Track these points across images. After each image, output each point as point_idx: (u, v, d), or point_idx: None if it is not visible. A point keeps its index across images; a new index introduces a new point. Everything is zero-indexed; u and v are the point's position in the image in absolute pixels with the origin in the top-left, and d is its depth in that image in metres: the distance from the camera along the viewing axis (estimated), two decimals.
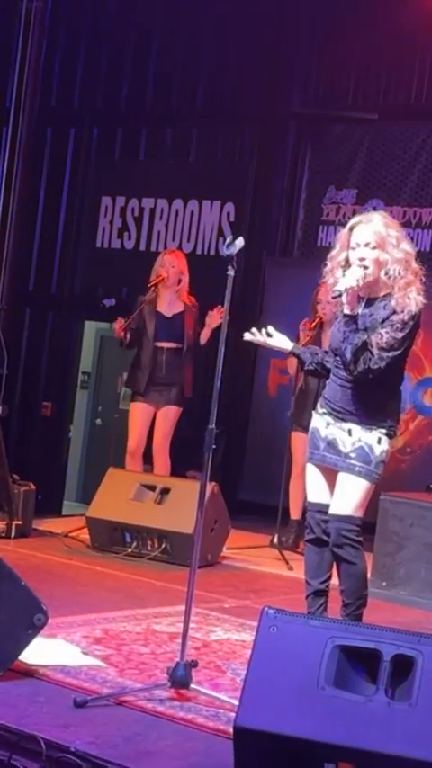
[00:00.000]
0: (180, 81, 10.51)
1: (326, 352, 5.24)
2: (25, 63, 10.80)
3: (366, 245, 4.85)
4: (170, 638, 5.26)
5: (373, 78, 9.74)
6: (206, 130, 10.57)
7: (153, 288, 8.19)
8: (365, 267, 4.85)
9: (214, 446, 4.67)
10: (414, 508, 7.16)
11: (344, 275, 4.89)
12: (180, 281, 8.19)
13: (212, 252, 10.24)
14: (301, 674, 3.48)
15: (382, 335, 4.83)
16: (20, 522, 7.59)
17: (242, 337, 5.11)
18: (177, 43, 10.31)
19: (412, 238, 9.41)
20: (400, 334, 4.86)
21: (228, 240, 4.60)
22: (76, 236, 11.19)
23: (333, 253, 5.02)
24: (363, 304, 4.95)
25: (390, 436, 5.00)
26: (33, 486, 7.82)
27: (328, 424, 5.03)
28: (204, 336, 8.10)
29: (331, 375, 5.08)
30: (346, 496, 4.95)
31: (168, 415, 8.13)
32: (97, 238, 11.05)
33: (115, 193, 10.95)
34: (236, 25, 9.94)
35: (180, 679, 4.31)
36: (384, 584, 7.10)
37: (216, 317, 7.86)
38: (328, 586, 5.09)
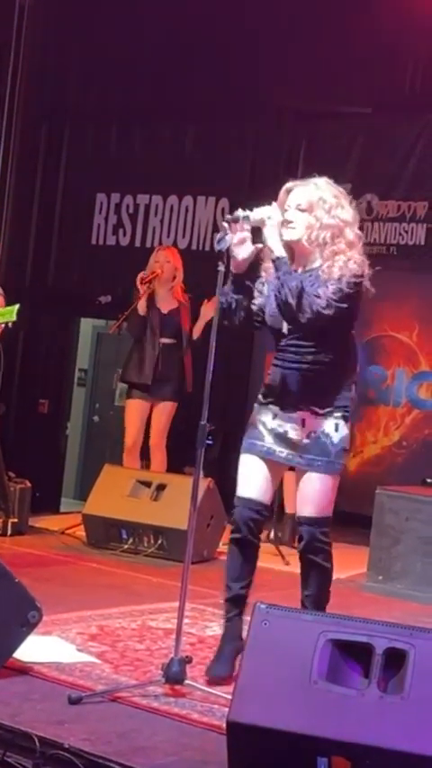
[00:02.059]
0: (175, 77, 10.47)
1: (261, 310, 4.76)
2: (19, 59, 10.78)
3: (296, 208, 4.63)
4: (165, 634, 5.27)
5: (367, 72, 9.71)
6: (201, 126, 10.55)
7: (148, 284, 8.22)
8: (292, 228, 4.58)
9: (210, 442, 4.67)
10: (410, 502, 7.18)
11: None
12: (175, 277, 8.24)
13: (207, 247, 10.22)
14: (294, 669, 3.48)
15: (328, 287, 4.51)
16: (16, 520, 7.61)
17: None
18: (172, 39, 10.29)
19: (407, 232, 9.49)
20: (347, 290, 4.53)
21: (219, 236, 4.59)
22: (72, 232, 11.18)
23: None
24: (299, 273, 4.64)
25: (346, 419, 4.66)
26: (29, 484, 7.84)
27: (275, 415, 4.68)
28: (198, 329, 8.16)
29: (275, 361, 4.73)
30: (314, 497, 4.66)
31: (164, 410, 8.16)
32: (92, 235, 11.03)
33: (110, 190, 10.93)
34: (229, 21, 9.92)
35: (174, 675, 4.31)
36: (380, 577, 7.13)
37: (210, 310, 7.86)
38: (247, 592, 4.77)
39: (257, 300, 4.72)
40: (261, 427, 4.70)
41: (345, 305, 4.55)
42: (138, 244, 10.72)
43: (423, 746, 3.27)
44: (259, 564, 7.45)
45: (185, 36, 10.17)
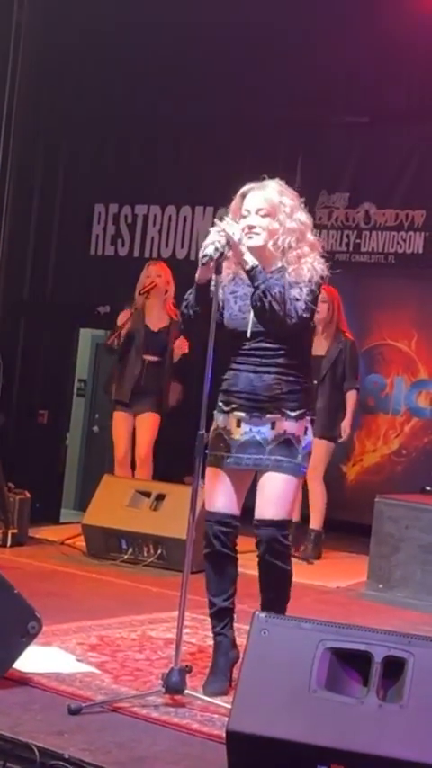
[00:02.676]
0: (172, 87, 10.50)
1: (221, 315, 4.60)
2: (17, 72, 10.81)
3: (257, 212, 4.53)
4: (165, 643, 5.26)
5: (364, 82, 9.75)
6: (197, 136, 10.58)
7: (146, 295, 8.28)
8: (256, 234, 4.50)
9: (208, 451, 4.64)
10: (409, 510, 7.19)
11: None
12: (167, 291, 8.30)
13: None
14: (293, 677, 3.49)
15: (302, 289, 4.47)
16: (16, 531, 7.62)
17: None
18: (168, 50, 10.32)
19: (405, 241, 9.51)
20: (316, 292, 4.53)
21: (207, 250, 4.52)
22: (70, 243, 11.20)
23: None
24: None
25: (312, 423, 4.60)
26: (29, 495, 7.84)
27: (239, 421, 4.55)
28: (176, 356, 8.27)
29: (234, 365, 4.60)
30: (279, 498, 4.50)
31: (147, 422, 8.26)
32: (91, 246, 11.06)
33: (108, 200, 10.97)
34: (226, 31, 9.94)
35: (174, 685, 4.30)
36: (380, 586, 7.12)
37: (183, 348, 8.20)
38: (233, 602, 4.73)
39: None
40: (226, 437, 4.58)
41: (314, 306, 4.55)
42: (136, 254, 10.74)
43: (422, 754, 3.27)
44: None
45: (182, 46, 10.20)
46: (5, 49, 10.71)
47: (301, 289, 4.48)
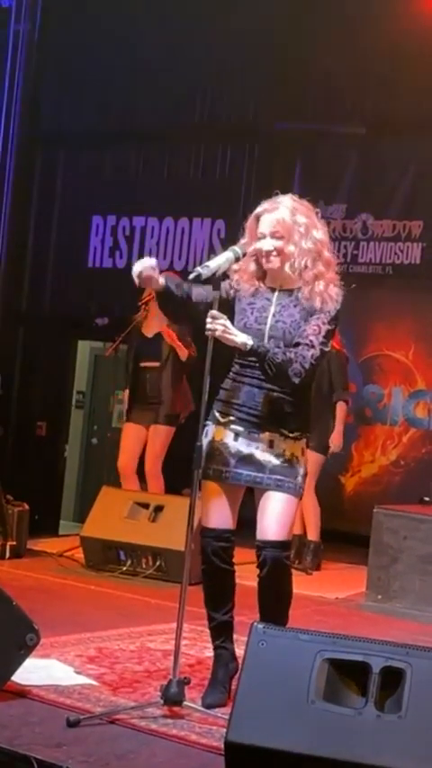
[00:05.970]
0: (169, 99, 10.53)
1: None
2: (15, 84, 10.84)
3: (272, 236, 4.44)
4: (164, 655, 5.25)
5: (361, 93, 9.77)
6: (196, 148, 10.60)
7: (144, 306, 8.28)
8: (274, 257, 4.43)
9: (203, 464, 4.61)
10: (408, 520, 7.18)
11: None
12: None
13: None
14: (291, 688, 3.48)
15: (319, 327, 4.39)
16: (14, 543, 7.61)
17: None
18: (167, 62, 10.35)
19: (402, 251, 9.53)
20: (330, 327, 4.44)
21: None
22: (68, 255, 11.22)
23: (243, 242, 4.55)
24: (275, 295, 4.51)
25: (308, 444, 4.56)
26: (27, 507, 7.84)
27: (237, 435, 4.46)
28: (182, 354, 8.15)
29: (235, 376, 4.53)
30: (281, 519, 4.44)
31: (157, 434, 8.19)
32: (89, 258, 11.08)
33: (106, 212, 10.98)
34: (224, 43, 9.98)
35: (173, 696, 4.29)
36: (379, 597, 7.12)
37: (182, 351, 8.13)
38: (231, 616, 4.69)
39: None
40: (223, 450, 4.49)
41: (328, 348, 4.47)
42: None
43: (420, 765, 3.27)
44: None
45: (180, 59, 10.23)
46: (4, 61, 10.74)
47: (318, 327, 4.41)
